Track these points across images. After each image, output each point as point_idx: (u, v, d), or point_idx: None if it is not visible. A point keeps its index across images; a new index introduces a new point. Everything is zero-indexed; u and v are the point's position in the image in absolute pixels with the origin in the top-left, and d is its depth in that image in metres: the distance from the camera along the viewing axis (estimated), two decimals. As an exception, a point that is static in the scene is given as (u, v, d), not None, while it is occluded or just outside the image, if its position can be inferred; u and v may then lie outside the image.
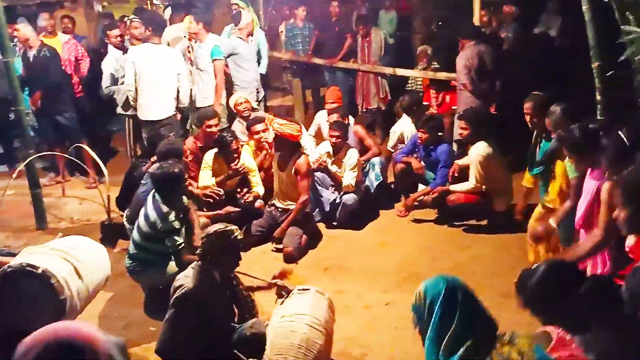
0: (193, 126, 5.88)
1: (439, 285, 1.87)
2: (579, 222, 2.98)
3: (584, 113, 3.46)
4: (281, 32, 8.26)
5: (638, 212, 2.03)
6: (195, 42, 5.87)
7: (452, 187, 4.79)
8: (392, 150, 5.61)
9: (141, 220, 3.77)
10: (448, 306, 1.81)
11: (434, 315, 1.82)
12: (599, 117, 3.48)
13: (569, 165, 3.37)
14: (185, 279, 2.99)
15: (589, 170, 2.98)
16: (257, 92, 6.25)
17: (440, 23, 7.28)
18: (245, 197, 4.76)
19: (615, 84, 3.48)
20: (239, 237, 3.06)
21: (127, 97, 5.46)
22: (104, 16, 8.37)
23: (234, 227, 3.07)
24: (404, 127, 5.57)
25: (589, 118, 3.28)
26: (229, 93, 6.05)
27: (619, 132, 2.68)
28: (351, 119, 5.78)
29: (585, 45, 3.65)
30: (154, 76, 5.23)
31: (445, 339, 1.78)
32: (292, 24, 7.75)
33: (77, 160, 5.50)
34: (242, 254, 3.15)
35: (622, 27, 3.40)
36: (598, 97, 3.51)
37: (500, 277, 3.85)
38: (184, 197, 4.01)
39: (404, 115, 5.69)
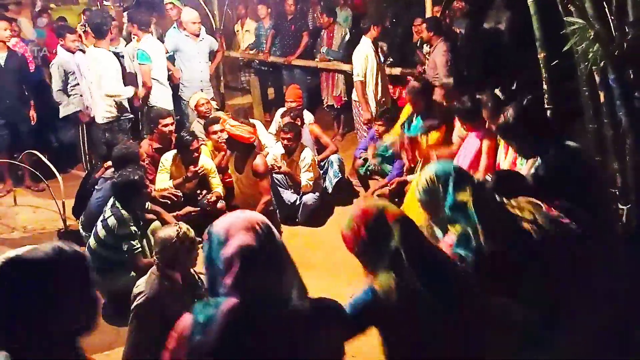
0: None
1: (448, 168, 2.25)
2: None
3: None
4: (237, 31, 8.22)
5: None
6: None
7: (410, 178, 4.87)
8: None
9: (99, 226, 3.70)
10: (459, 181, 2.17)
11: (449, 191, 2.15)
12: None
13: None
14: (145, 285, 2.93)
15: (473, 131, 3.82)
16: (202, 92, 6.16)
17: (393, 20, 7.38)
18: (207, 198, 4.71)
19: (560, 73, 3.62)
20: (191, 234, 3.01)
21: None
22: (42, 14, 8.10)
23: (182, 225, 3.02)
24: None
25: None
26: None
27: (495, 90, 3.51)
28: (309, 117, 5.79)
29: (532, 38, 3.78)
30: (89, 78, 5.37)
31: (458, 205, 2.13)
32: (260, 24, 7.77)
33: (29, 167, 5.33)
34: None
35: (565, 18, 3.54)
36: (545, 87, 3.64)
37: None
38: (147, 203, 3.96)
39: None
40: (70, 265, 1.36)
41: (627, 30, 3.27)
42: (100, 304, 2.88)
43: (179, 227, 2.98)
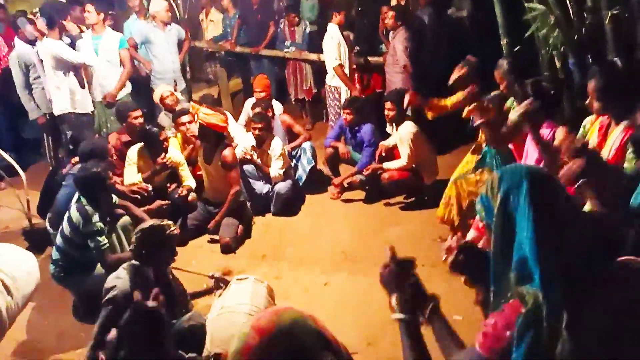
0: (103, 122, 5.66)
1: (519, 171, 1.34)
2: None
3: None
4: (202, 21, 8.10)
5: None
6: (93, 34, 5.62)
7: (386, 165, 4.90)
8: None
9: (64, 223, 3.63)
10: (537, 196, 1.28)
11: (520, 212, 1.27)
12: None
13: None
14: (117, 280, 2.91)
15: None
16: (175, 84, 6.08)
17: (360, 9, 7.38)
18: (178, 192, 4.66)
19: (522, 58, 3.71)
20: (175, 232, 3.02)
21: None
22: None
23: (169, 222, 3.04)
24: None
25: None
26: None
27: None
28: (278, 107, 5.78)
29: (495, 24, 3.86)
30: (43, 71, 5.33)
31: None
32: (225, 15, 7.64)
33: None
34: (178, 248, 3.13)
35: (526, 4, 3.63)
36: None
37: (428, 249, 4.01)
38: (114, 197, 3.90)
39: None
40: None
41: (585, 16, 3.39)
42: None
43: (160, 221, 3.03)
